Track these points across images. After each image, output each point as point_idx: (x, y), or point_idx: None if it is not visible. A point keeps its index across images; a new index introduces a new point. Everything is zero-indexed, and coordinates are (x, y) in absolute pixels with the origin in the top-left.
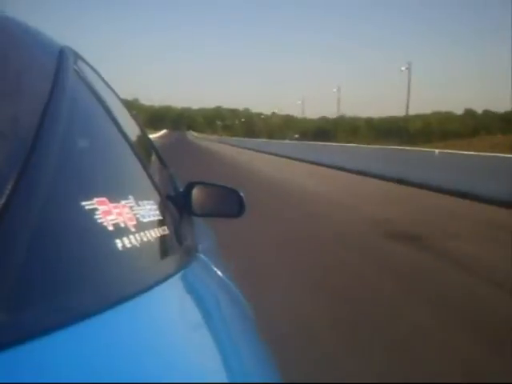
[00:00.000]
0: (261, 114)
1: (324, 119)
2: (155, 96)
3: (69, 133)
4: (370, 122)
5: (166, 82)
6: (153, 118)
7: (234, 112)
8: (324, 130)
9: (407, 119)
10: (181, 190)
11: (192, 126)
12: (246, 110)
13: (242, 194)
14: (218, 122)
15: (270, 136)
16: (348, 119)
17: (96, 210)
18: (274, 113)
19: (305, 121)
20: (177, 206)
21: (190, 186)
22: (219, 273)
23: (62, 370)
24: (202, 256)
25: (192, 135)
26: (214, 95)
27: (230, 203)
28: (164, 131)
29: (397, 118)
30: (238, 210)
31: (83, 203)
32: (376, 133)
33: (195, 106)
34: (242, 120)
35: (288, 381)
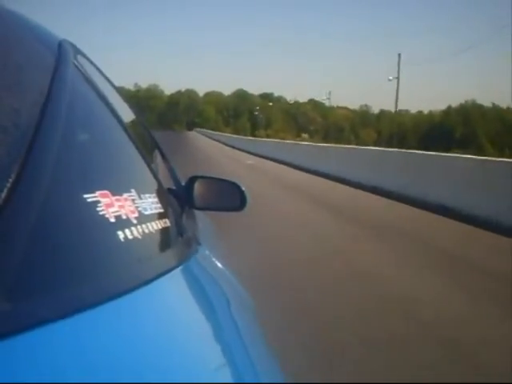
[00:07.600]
0: (312, 100)
1: (402, 113)
2: (136, 78)
3: (69, 126)
4: None
5: (149, 59)
6: None
7: (267, 99)
8: (444, 128)
9: None
10: (182, 183)
11: (195, 122)
12: (281, 98)
13: (243, 188)
14: (256, 113)
15: (338, 139)
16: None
17: (98, 202)
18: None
19: (386, 115)
20: (178, 199)
21: (192, 180)
22: (220, 265)
23: (62, 361)
24: (203, 248)
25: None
26: (227, 78)
27: (231, 197)
28: None
29: None
30: (240, 203)
31: (85, 196)
32: None
33: (200, 91)
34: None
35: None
